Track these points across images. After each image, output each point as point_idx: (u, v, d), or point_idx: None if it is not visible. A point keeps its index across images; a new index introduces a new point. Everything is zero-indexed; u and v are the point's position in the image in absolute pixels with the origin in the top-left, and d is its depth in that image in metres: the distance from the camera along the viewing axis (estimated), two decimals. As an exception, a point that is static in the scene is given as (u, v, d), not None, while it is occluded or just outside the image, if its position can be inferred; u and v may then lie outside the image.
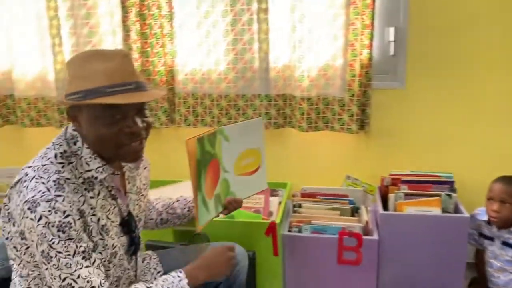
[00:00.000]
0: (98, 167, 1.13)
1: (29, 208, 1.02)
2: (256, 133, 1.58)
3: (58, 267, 1.02)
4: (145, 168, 1.36)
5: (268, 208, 1.97)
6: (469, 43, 1.99)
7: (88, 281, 1.04)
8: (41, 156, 1.12)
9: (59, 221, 1.01)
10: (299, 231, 1.88)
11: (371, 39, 1.98)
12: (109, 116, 1.07)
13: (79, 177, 1.11)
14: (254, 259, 1.78)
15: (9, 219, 1.10)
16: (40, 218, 1.01)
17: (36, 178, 1.05)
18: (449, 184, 1.93)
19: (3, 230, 1.13)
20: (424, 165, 2.11)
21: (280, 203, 2.02)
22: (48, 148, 1.14)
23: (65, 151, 1.12)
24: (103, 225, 1.14)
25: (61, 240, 1.01)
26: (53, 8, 2.21)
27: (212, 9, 2.09)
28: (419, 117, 2.10)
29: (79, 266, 1.03)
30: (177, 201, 1.51)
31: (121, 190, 1.23)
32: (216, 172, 1.45)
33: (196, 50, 2.16)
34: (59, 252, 1.02)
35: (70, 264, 1.03)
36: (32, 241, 1.04)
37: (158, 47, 2.17)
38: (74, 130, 1.14)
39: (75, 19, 2.21)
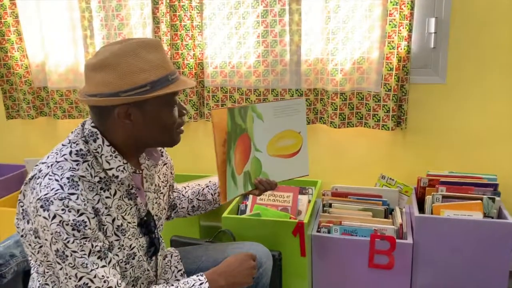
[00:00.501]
0: (119, 166, 1.10)
1: (41, 206, 0.99)
2: (297, 115, 1.50)
3: (74, 266, 1.00)
4: (164, 164, 1.32)
5: (296, 207, 1.90)
6: (519, 35, 1.84)
7: (105, 281, 1.02)
8: (56, 152, 1.08)
9: (74, 220, 0.99)
10: (329, 232, 1.80)
11: (410, 30, 1.86)
12: (171, 102, 1.10)
13: (95, 176, 1.08)
14: (280, 260, 1.72)
15: (23, 216, 1.08)
16: (54, 217, 0.98)
17: (50, 175, 1.02)
18: (492, 187, 1.80)
19: (18, 227, 1.11)
20: (465, 166, 1.98)
21: (309, 202, 1.95)
22: (63, 145, 1.10)
23: (81, 149, 1.08)
24: (118, 226, 1.10)
25: (76, 239, 0.99)
26: (85, 0, 2.22)
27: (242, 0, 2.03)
28: (460, 114, 1.97)
29: (95, 266, 1.02)
30: (207, 187, 1.48)
31: (140, 188, 1.19)
32: (247, 148, 1.40)
33: (225, 42, 2.10)
34: (75, 252, 1.00)
35: (86, 264, 1.01)
36: (46, 239, 1.01)
37: (188, 39, 2.13)
38: (93, 126, 1.10)
39: (106, 11, 2.20)
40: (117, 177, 1.09)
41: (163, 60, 1.08)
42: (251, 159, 1.42)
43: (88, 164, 1.07)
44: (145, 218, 1.19)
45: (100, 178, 1.08)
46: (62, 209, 0.98)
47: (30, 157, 2.44)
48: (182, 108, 1.15)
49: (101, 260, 1.03)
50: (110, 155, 1.09)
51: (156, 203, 1.26)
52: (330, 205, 1.92)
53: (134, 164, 1.16)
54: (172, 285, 1.14)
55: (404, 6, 1.84)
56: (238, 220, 1.80)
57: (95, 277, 1.01)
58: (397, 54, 1.89)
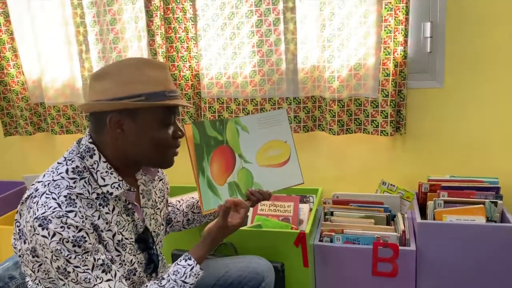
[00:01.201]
0: (113, 183, 1.10)
1: (40, 225, 0.99)
2: (280, 125, 1.54)
3: (77, 281, 1.00)
4: (160, 180, 1.32)
5: (298, 216, 1.89)
6: (515, 37, 1.83)
7: None
8: (52, 171, 1.08)
9: (73, 236, 1.00)
10: (331, 241, 1.79)
11: (406, 35, 1.86)
12: (167, 119, 1.11)
13: (92, 193, 1.08)
14: (283, 271, 1.70)
15: (20, 236, 1.08)
16: (53, 235, 0.99)
17: (47, 194, 1.02)
18: (494, 190, 1.78)
19: (15, 247, 1.10)
20: (465, 170, 1.96)
21: (310, 210, 1.94)
22: (59, 163, 1.10)
23: (77, 166, 1.08)
24: (119, 240, 1.10)
25: (78, 254, 1.00)
26: (79, 15, 2.22)
27: (236, 10, 2.02)
28: (459, 118, 1.96)
29: (98, 280, 1.02)
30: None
31: (137, 205, 1.19)
32: (229, 159, 1.45)
33: (221, 53, 2.10)
34: (77, 267, 1.00)
35: (89, 279, 1.01)
36: (46, 257, 1.01)
37: (183, 51, 2.13)
38: (91, 142, 1.10)
39: (100, 26, 2.20)
40: (111, 193, 1.09)
41: (165, 79, 1.10)
42: (238, 170, 1.46)
43: (85, 181, 1.07)
44: (142, 234, 1.18)
45: (98, 194, 1.08)
46: (61, 227, 0.99)
47: (29, 174, 2.43)
48: (178, 129, 1.16)
49: (105, 274, 1.03)
50: (106, 171, 1.09)
51: (153, 219, 1.26)
52: (331, 213, 1.91)
53: (130, 181, 1.16)
54: (163, 278, 1.15)
55: (399, 12, 1.84)
56: (239, 232, 1.75)
57: None
58: (393, 59, 1.89)
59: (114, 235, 1.10)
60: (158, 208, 1.30)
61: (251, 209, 1.93)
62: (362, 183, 2.10)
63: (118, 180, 1.11)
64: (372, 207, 1.89)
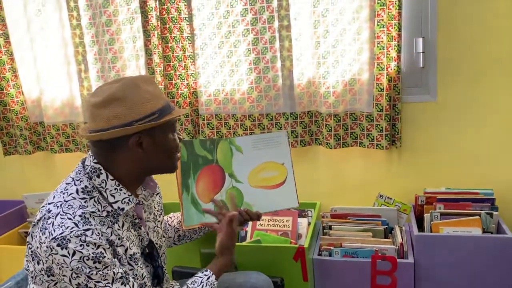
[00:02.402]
0: (124, 198, 1.15)
1: (58, 245, 1.02)
2: (279, 147, 1.57)
3: None
4: (157, 194, 1.37)
5: (296, 231, 1.91)
6: (504, 52, 1.87)
7: None
8: (61, 192, 1.12)
9: (93, 253, 1.04)
10: (330, 255, 1.80)
11: (399, 51, 1.90)
12: (175, 128, 1.20)
13: (103, 211, 1.12)
14: (283, 286, 1.71)
15: (32, 258, 1.10)
16: (73, 254, 1.02)
17: (61, 214, 1.06)
18: (490, 202, 1.81)
19: (27, 269, 1.12)
20: (461, 182, 1.99)
21: (309, 224, 1.96)
22: (68, 183, 1.14)
23: (86, 187, 1.13)
24: (131, 255, 1.15)
25: (99, 270, 1.04)
26: (78, 36, 2.25)
27: (233, 29, 2.07)
28: (454, 130, 1.99)
29: None
30: None
31: (142, 218, 1.24)
32: (217, 178, 1.49)
33: (218, 71, 2.14)
34: (98, 282, 1.05)
35: None
36: (64, 275, 1.04)
37: (181, 69, 2.17)
38: (96, 163, 1.14)
39: (99, 45, 2.24)
40: (122, 209, 1.14)
41: (160, 92, 1.19)
42: (226, 189, 1.50)
43: (94, 200, 1.12)
44: (147, 247, 1.23)
45: (108, 212, 1.13)
46: (81, 245, 1.03)
47: (28, 193, 2.44)
48: (178, 134, 1.25)
49: (124, 285, 1.08)
50: (115, 189, 1.14)
51: (155, 231, 1.30)
52: (330, 227, 1.92)
53: (135, 196, 1.21)
54: (187, 286, 1.23)
55: (392, 28, 1.88)
56: (238, 247, 1.79)
57: None
58: (387, 74, 1.93)
59: (126, 250, 1.14)
60: (159, 221, 1.34)
61: (250, 224, 1.95)
62: (360, 196, 2.13)
63: (128, 195, 1.16)
64: (370, 220, 1.91)
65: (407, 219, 1.97)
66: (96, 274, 1.04)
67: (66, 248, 1.02)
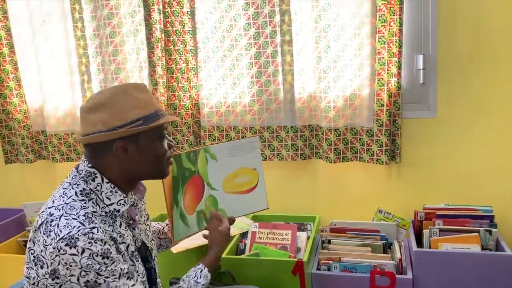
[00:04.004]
0: (119, 200, 1.19)
1: (67, 244, 1.05)
2: (252, 152, 1.60)
3: None
4: (143, 198, 1.39)
5: (295, 244, 1.91)
6: (502, 69, 1.90)
7: None
8: (60, 196, 1.14)
9: (101, 249, 1.07)
10: (328, 269, 1.80)
11: (399, 67, 1.92)
12: (162, 135, 1.22)
13: (102, 212, 1.16)
14: (281, 300, 1.71)
15: (35, 263, 1.11)
16: (83, 251, 1.05)
17: (65, 216, 1.08)
18: (489, 219, 1.81)
19: (28, 276, 1.13)
20: (460, 198, 2.00)
21: (308, 238, 1.96)
22: (65, 188, 1.16)
23: (84, 189, 1.16)
24: (132, 251, 1.20)
25: (108, 266, 1.08)
26: (82, 46, 2.28)
27: (236, 42, 2.09)
28: (453, 147, 2.00)
29: (125, 287, 1.11)
30: (167, 225, 1.56)
31: (136, 220, 1.28)
32: (198, 189, 1.51)
33: (220, 83, 2.16)
34: (107, 277, 1.08)
35: (119, 287, 1.09)
36: (72, 275, 1.06)
37: (184, 81, 2.19)
38: (90, 167, 1.18)
39: (103, 56, 2.26)
40: (118, 210, 1.18)
41: (151, 99, 1.21)
42: (205, 198, 1.53)
43: (93, 202, 1.15)
44: (140, 248, 1.26)
45: (106, 212, 1.17)
46: (89, 242, 1.06)
47: (28, 201, 2.45)
48: (170, 141, 1.27)
49: (130, 280, 1.13)
50: (110, 191, 1.18)
51: (146, 234, 1.34)
52: (329, 241, 1.93)
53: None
54: (178, 283, 1.30)
55: (392, 44, 1.91)
56: (237, 260, 1.80)
57: None
58: (387, 90, 1.94)
59: (127, 247, 1.18)
60: (147, 224, 1.38)
61: (249, 237, 1.95)
62: (359, 211, 2.13)
63: (123, 197, 1.20)
64: (369, 235, 1.91)
65: (406, 235, 1.98)
66: (105, 270, 1.07)
67: (75, 247, 1.05)
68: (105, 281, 1.07)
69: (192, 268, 1.36)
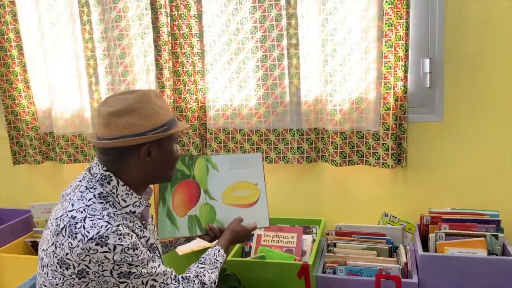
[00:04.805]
0: (135, 202, 1.24)
1: (97, 244, 1.09)
2: (253, 168, 1.62)
3: (139, 275, 1.16)
4: (149, 198, 1.43)
5: (301, 247, 1.91)
6: (509, 73, 1.89)
7: (164, 274, 1.23)
8: (79, 199, 1.17)
9: (130, 242, 1.14)
10: (334, 273, 1.80)
11: (405, 71, 1.92)
12: (177, 140, 1.31)
13: (120, 212, 1.20)
14: (287, 302, 1.72)
15: (60, 265, 1.13)
16: (114, 248, 1.11)
17: (89, 217, 1.13)
18: (495, 223, 1.80)
19: (53, 279, 1.15)
20: (466, 202, 1.99)
21: (313, 241, 1.96)
22: (82, 192, 1.19)
23: (101, 192, 1.20)
24: (151, 244, 1.28)
25: (138, 256, 1.16)
26: (90, 49, 2.30)
27: (242, 46, 2.10)
28: (460, 151, 2.00)
29: (153, 269, 1.20)
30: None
31: (147, 221, 1.33)
32: (193, 193, 1.55)
33: (227, 86, 2.17)
34: (138, 266, 1.16)
35: (148, 271, 1.18)
36: (105, 270, 1.12)
37: (190, 84, 2.20)
38: (106, 170, 1.21)
39: (110, 59, 2.28)
40: (134, 212, 1.23)
41: (167, 105, 1.30)
42: (201, 205, 1.57)
43: (110, 204, 1.19)
44: (151, 247, 1.30)
45: (123, 213, 1.21)
46: (119, 238, 1.12)
47: (36, 202, 2.47)
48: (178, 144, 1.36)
49: (154, 262, 1.22)
50: (126, 193, 1.22)
51: (153, 234, 1.39)
52: (334, 245, 1.93)
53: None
54: (199, 260, 1.41)
55: (399, 48, 1.91)
56: (242, 263, 1.81)
57: (157, 275, 1.21)
58: (393, 94, 1.95)
59: (147, 240, 1.26)
60: (153, 225, 1.43)
61: (254, 240, 1.95)
62: (364, 214, 2.13)
63: (138, 198, 1.25)
64: (374, 238, 1.91)
65: (411, 239, 1.97)
66: (136, 259, 1.14)
67: (106, 245, 1.10)
68: (137, 269, 1.15)
69: (210, 249, 1.45)
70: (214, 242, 1.53)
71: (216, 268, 1.41)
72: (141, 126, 1.18)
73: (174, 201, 1.52)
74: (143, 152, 1.21)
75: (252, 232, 1.63)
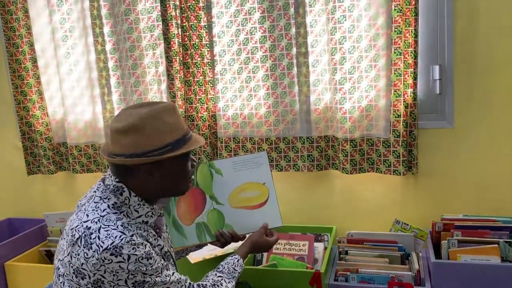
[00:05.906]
0: (147, 212, 1.25)
1: (112, 254, 1.11)
2: (260, 168, 1.60)
3: (153, 284, 1.18)
4: (163, 207, 1.46)
5: (313, 255, 1.91)
6: (522, 79, 1.89)
7: (178, 282, 1.24)
8: (93, 209, 1.19)
9: (144, 252, 1.15)
10: (346, 280, 1.80)
11: (415, 78, 1.93)
12: (187, 159, 1.28)
13: (134, 222, 1.22)
14: (299, 311, 1.72)
15: (76, 275, 1.15)
16: (129, 258, 1.12)
17: (104, 227, 1.14)
18: (508, 230, 1.79)
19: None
20: (479, 209, 1.98)
21: (325, 249, 1.96)
22: (96, 202, 1.21)
23: (115, 203, 1.21)
24: (165, 252, 1.30)
25: (152, 265, 1.17)
26: (102, 60, 2.34)
27: (252, 55, 2.12)
28: (471, 157, 1.99)
29: (167, 277, 1.21)
30: None
31: (161, 229, 1.34)
32: (198, 201, 1.54)
33: (237, 95, 2.19)
34: (152, 275, 1.17)
35: (162, 279, 1.20)
36: (120, 279, 1.13)
37: (201, 93, 2.23)
38: (118, 181, 1.23)
39: (122, 70, 2.32)
40: (146, 222, 1.24)
41: (179, 122, 1.25)
42: (208, 211, 1.56)
43: (124, 214, 1.21)
44: (165, 256, 1.31)
45: (136, 223, 1.23)
46: (133, 248, 1.13)
47: (49, 212, 2.50)
48: (193, 160, 1.33)
49: (168, 270, 1.23)
50: (138, 204, 1.23)
51: (168, 242, 1.40)
52: (346, 252, 1.92)
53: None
54: (218, 268, 1.42)
55: (408, 55, 1.91)
56: (254, 271, 1.81)
57: (171, 283, 1.22)
58: (403, 101, 1.95)
59: (162, 249, 1.28)
60: (167, 232, 1.44)
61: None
62: (376, 222, 2.13)
63: (150, 209, 1.26)
64: (386, 246, 1.91)
65: (424, 246, 1.96)
66: (151, 269, 1.16)
67: (120, 255, 1.11)
68: (151, 278, 1.17)
69: (229, 257, 1.47)
70: (228, 247, 1.53)
71: (233, 278, 1.41)
72: (141, 146, 1.18)
73: (179, 210, 1.52)
74: (144, 172, 1.21)
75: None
